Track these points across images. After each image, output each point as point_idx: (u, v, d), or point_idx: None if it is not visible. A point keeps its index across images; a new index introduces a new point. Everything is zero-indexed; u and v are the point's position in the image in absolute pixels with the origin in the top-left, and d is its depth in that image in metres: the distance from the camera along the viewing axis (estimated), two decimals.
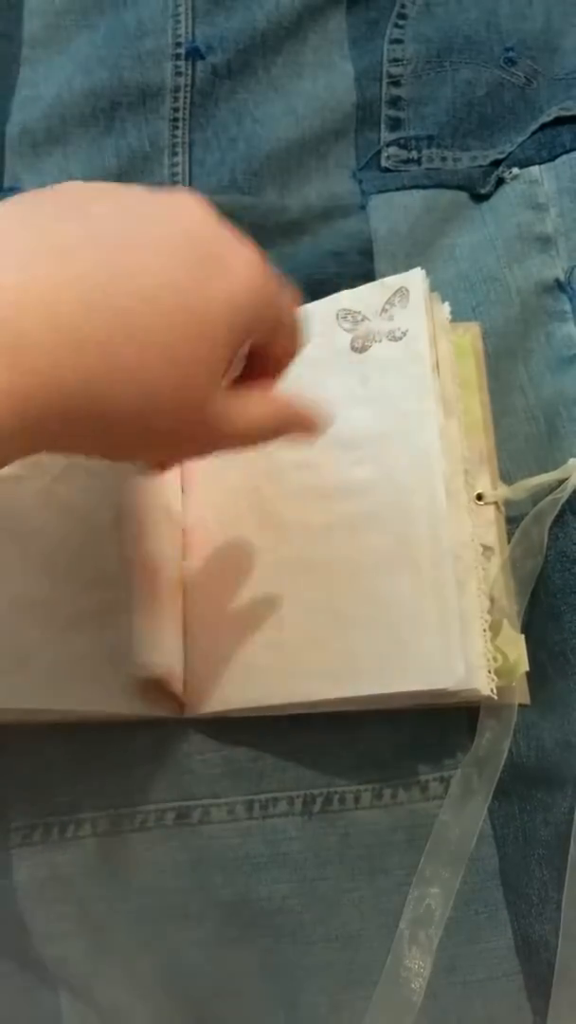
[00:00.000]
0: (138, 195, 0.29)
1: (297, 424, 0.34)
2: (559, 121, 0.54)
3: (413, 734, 0.42)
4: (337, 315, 0.45)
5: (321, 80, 0.57)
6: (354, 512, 0.42)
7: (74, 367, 0.25)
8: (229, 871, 0.41)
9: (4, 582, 0.39)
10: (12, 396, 0.24)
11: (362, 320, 0.45)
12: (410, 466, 0.41)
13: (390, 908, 0.40)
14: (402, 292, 0.44)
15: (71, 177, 0.53)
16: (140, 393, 0.27)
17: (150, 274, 0.26)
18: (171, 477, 0.46)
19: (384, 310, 0.44)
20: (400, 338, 0.44)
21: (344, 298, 0.46)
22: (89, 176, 0.54)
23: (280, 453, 0.44)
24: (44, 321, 0.25)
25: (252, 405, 0.32)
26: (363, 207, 0.54)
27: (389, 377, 0.43)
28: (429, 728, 0.42)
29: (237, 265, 0.28)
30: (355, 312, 0.45)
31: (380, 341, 0.44)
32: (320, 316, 0.45)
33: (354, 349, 0.45)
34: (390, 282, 0.45)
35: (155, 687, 0.42)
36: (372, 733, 0.43)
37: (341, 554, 0.42)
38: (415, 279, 0.44)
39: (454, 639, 0.38)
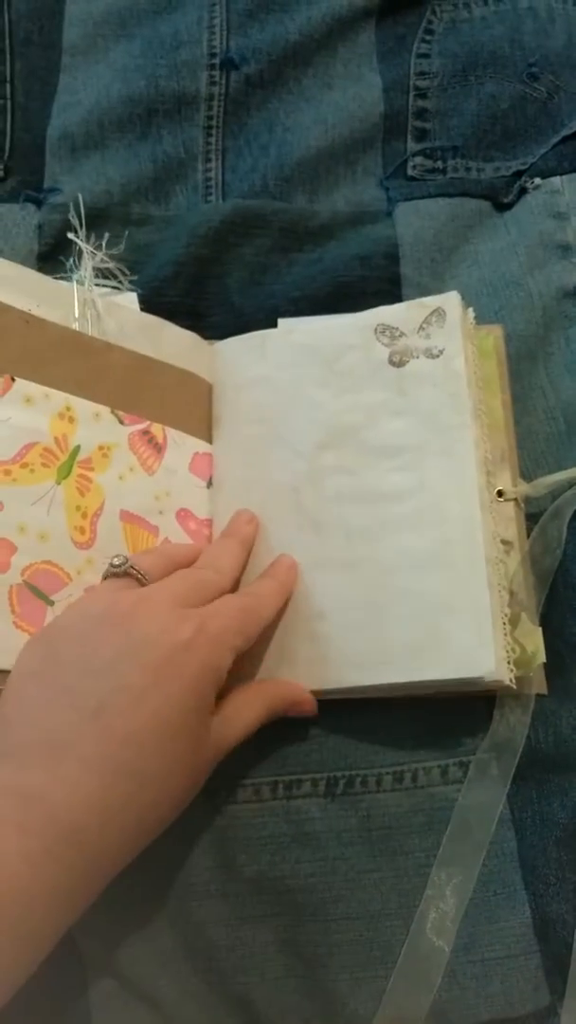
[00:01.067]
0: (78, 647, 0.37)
1: (289, 707, 0.42)
2: None
3: (433, 720, 0.44)
4: (376, 329, 0.47)
5: (350, 91, 0.59)
6: (392, 515, 0.44)
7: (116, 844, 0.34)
8: (253, 850, 0.42)
9: None
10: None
11: (400, 336, 0.46)
12: (447, 475, 0.43)
13: (410, 888, 0.41)
14: (439, 312, 0.46)
15: (108, 180, 0.55)
16: (169, 806, 0.36)
17: (141, 720, 0.35)
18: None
19: (421, 328, 0.46)
20: (437, 356, 0.46)
21: (382, 314, 0.47)
22: (126, 179, 0.55)
23: (320, 459, 0.45)
24: (95, 817, 0.33)
25: (243, 709, 0.40)
26: (389, 214, 0.55)
27: (426, 391, 0.45)
28: (448, 714, 0.43)
29: (190, 653, 0.36)
30: (393, 328, 0.47)
31: (417, 357, 0.46)
32: (359, 328, 0.47)
33: (392, 363, 0.46)
34: (427, 302, 0.47)
35: None
36: (393, 719, 0.44)
37: (379, 554, 0.43)
38: (452, 301, 0.46)
39: (486, 633, 0.40)
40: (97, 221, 0.54)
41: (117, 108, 0.57)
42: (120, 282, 0.51)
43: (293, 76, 0.59)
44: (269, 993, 0.41)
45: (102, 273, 0.51)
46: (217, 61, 0.59)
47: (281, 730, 0.43)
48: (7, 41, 0.59)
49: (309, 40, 0.59)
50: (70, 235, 0.50)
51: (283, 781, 0.43)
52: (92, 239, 0.51)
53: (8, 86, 0.58)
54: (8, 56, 0.58)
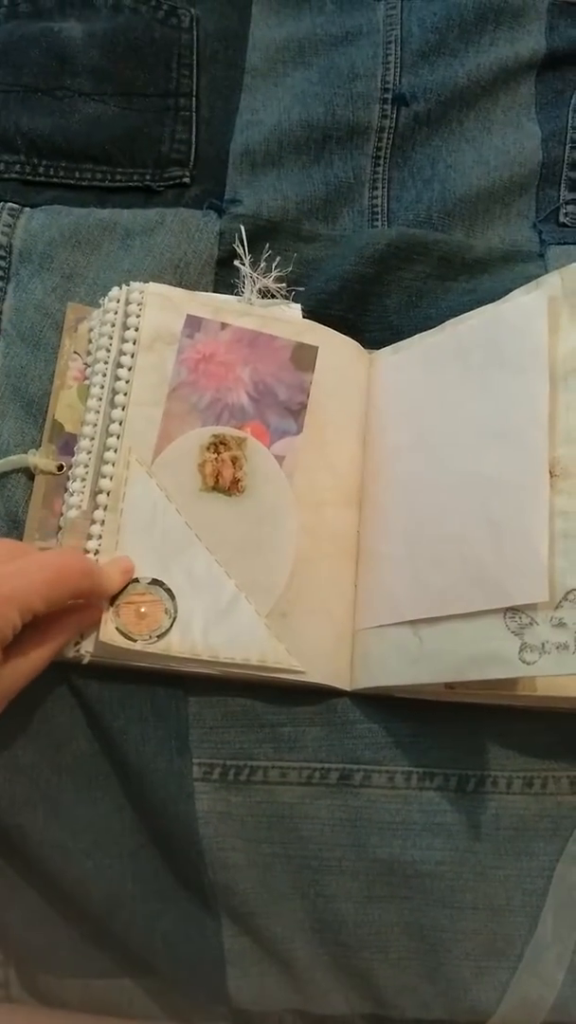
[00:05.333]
0: None
1: (83, 627, 0.43)
2: None
3: (566, 732, 0.46)
4: None
5: (510, 137, 0.62)
6: None
7: None
8: (386, 833, 0.45)
9: None
10: None
11: None
12: None
13: (534, 888, 0.44)
14: None
15: (284, 197, 0.59)
16: None
17: None
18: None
19: None
20: None
21: None
22: (301, 197, 0.59)
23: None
24: None
25: (19, 665, 0.39)
26: (541, 255, 0.59)
27: None
28: None
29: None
30: None
31: None
32: None
33: None
34: None
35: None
36: (526, 727, 0.46)
37: None
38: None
39: None
40: (271, 234, 0.57)
41: (296, 131, 0.60)
42: (285, 300, 0.55)
43: (457, 117, 0.62)
44: (391, 971, 0.43)
45: (265, 293, 0.55)
46: (389, 96, 0.62)
47: (416, 725, 0.46)
48: (195, 57, 0.63)
49: (475, 85, 0.63)
50: (236, 263, 0.54)
51: (417, 772, 0.46)
52: (267, 248, 0.55)
53: (194, 100, 0.61)
54: (195, 71, 0.62)
